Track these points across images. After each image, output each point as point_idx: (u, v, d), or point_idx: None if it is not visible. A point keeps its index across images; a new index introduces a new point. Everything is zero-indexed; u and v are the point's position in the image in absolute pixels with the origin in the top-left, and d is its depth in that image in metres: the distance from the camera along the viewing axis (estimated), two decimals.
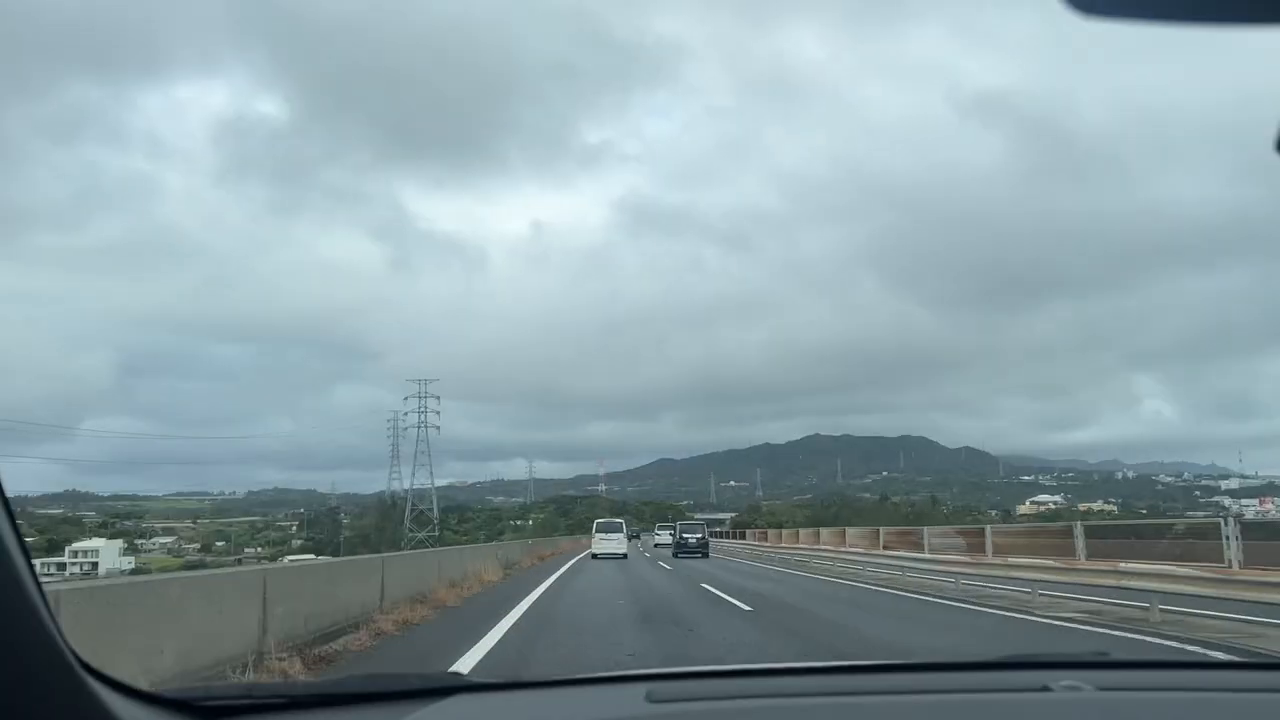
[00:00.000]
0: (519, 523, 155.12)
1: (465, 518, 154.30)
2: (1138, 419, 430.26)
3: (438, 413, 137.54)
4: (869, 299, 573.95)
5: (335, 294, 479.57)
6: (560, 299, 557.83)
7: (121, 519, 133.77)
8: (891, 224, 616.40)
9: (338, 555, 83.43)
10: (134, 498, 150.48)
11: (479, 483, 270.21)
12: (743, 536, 57.07)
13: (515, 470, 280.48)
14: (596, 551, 39.56)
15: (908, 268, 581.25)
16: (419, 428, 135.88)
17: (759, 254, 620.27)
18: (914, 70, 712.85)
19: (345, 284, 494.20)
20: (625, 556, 39.22)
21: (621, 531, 41.90)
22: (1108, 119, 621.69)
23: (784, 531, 44.23)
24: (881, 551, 23.17)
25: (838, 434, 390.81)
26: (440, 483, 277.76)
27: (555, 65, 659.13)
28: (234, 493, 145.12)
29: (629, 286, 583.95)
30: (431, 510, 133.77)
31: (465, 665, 9.10)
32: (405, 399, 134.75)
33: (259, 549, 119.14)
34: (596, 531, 41.74)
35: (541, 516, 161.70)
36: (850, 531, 29.75)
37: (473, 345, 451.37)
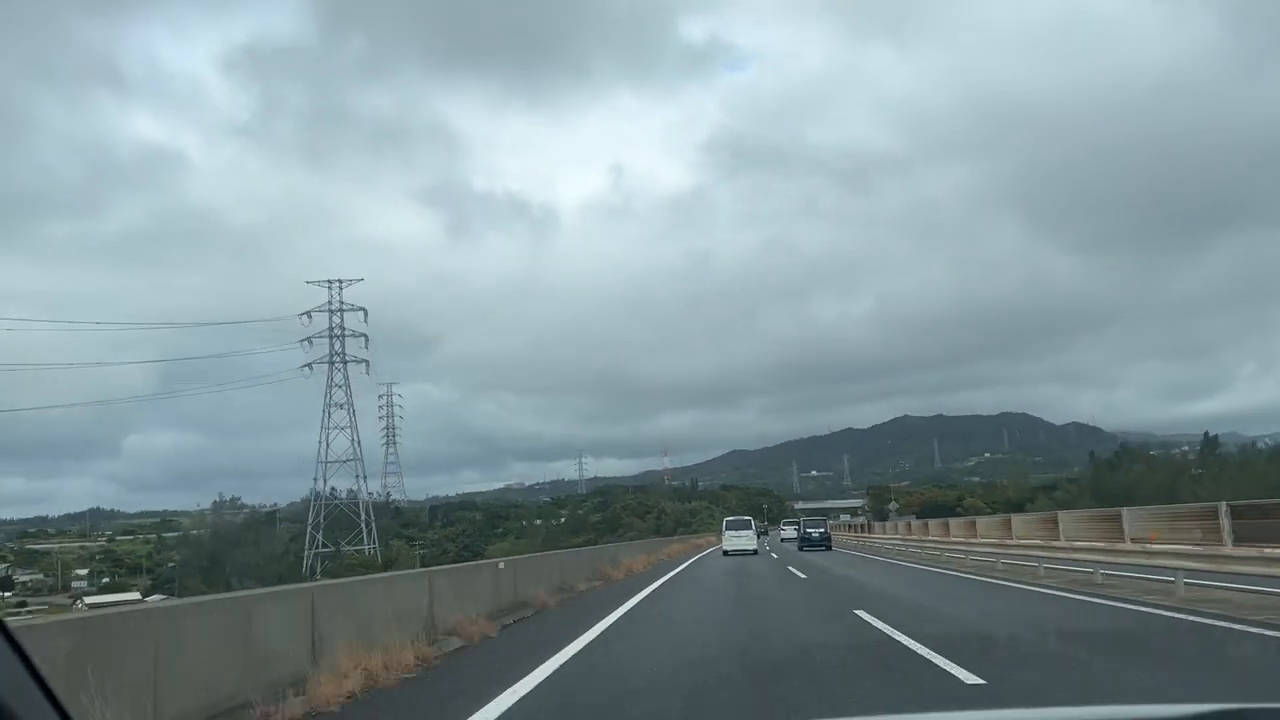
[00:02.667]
0: (539, 522, 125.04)
1: (453, 519, 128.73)
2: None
3: (364, 336, 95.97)
4: (1000, 250, 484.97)
5: (379, 270, 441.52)
6: (637, 269, 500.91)
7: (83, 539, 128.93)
8: (1036, 155, 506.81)
9: (174, 593, 68.15)
10: (164, 514, 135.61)
11: (538, 484, 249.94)
12: (871, 530, 54.35)
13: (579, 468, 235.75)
14: (728, 548, 42.29)
15: (1052, 208, 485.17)
16: (331, 363, 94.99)
17: (872, 202, 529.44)
18: None
19: (389, 256, 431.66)
20: (755, 552, 41.45)
21: (751, 529, 44.42)
22: None
23: (950, 523, 33.08)
24: (1063, 543, 20.05)
25: (930, 414, 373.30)
26: (497, 485, 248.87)
27: None
28: (275, 505, 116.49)
29: (718, 251, 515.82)
30: (361, 512, 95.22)
31: None
32: (303, 316, 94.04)
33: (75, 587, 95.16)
34: (727, 529, 45.08)
35: (560, 516, 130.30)
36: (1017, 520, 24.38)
37: (536, 328, 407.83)
